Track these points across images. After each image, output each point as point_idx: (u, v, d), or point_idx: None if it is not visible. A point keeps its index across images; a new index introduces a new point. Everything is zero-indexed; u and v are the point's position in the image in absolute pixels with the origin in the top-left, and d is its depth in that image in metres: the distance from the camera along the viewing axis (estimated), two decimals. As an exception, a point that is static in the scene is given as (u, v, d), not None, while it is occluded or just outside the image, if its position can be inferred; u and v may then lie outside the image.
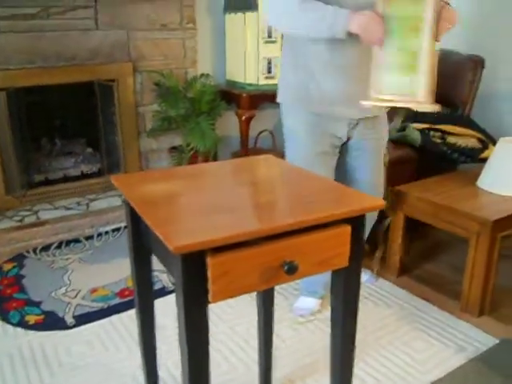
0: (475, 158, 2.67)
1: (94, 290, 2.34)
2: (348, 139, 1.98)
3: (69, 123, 3.51)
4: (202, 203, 1.04)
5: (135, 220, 1.18)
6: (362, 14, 1.56)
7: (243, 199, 1.10)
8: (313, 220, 0.96)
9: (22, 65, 2.91)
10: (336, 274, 1.10)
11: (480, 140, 2.73)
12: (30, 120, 3.27)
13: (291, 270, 0.94)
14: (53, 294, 2.31)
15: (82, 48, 3.05)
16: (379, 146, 2.05)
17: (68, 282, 2.41)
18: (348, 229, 1.02)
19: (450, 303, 2.19)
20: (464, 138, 2.70)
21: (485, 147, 2.70)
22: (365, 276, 2.39)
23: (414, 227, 2.44)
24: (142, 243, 1.22)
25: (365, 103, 1.58)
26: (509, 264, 2.47)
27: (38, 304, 2.23)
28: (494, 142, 2.65)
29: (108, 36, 3.13)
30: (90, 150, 3.50)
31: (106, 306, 2.21)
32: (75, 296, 2.29)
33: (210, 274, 0.88)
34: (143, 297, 1.34)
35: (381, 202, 1.04)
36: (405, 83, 1.46)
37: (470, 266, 2.08)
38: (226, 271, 0.89)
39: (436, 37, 1.48)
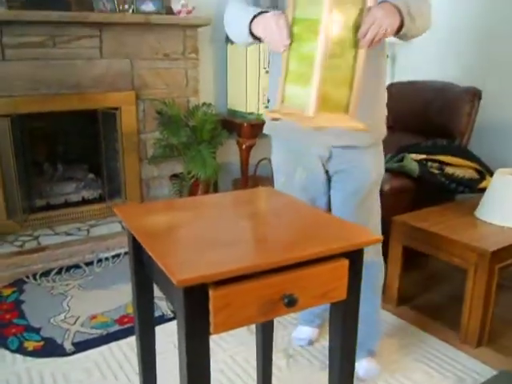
0: (473, 188, 2.70)
1: (93, 317, 2.34)
2: (327, 173, 1.78)
3: (71, 149, 3.56)
4: (203, 235, 1.07)
5: (137, 249, 1.20)
6: (267, 16, 1.37)
7: (244, 232, 1.12)
8: (311, 255, 0.98)
9: (25, 91, 2.97)
10: (334, 305, 1.12)
11: (477, 171, 2.77)
12: (33, 145, 3.33)
13: (291, 303, 0.96)
14: (52, 320, 2.31)
15: (85, 76, 3.12)
16: (362, 182, 1.72)
17: (67, 308, 2.41)
18: (346, 263, 1.04)
19: (450, 334, 2.19)
20: (462, 169, 2.74)
21: (482, 178, 2.74)
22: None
23: (412, 256, 2.45)
24: (144, 272, 1.24)
25: (267, 115, 1.53)
26: (507, 294, 2.48)
27: (37, 330, 2.23)
28: (492, 173, 2.69)
29: (112, 65, 3.19)
30: (91, 175, 3.54)
31: (105, 333, 2.21)
32: (74, 322, 2.29)
33: (211, 306, 0.90)
34: (144, 324, 1.35)
35: (378, 237, 1.06)
36: (300, 95, 1.29)
37: (469, 297, 2.09)
38: (227, 304, 0.91)
39: (368, 44, 1.28)
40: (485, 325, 2.10)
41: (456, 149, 2.84)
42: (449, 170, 2.71)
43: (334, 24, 1.22)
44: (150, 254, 0.95)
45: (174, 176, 3.46)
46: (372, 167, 1.73)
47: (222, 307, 0.91)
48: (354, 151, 1.68)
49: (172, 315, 2.34)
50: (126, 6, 3.18)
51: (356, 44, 1.28)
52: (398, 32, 1.41)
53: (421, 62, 3.54)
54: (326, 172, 1.77)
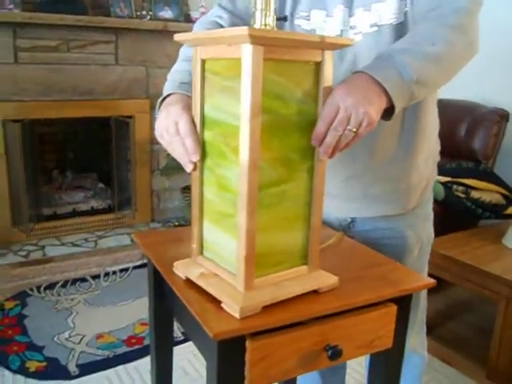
0: (499, 214, 2.59)
1: (99, 336, 2.23)
2: None
3: (81, 157, 3.46)
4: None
5: (158, 280, 1.09)
6: (169, 109, 0.87)
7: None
8: (360, 302, 0.87)
9: (37, 96, 2.88)
10: (376, 356, 1.01)
11: (504, 195, 2.66)
12: (43, 151, 3.23)
13: (335, 355, 0.85)
14: (56, 338, 2.20)
15: (99, 83, 3.03)
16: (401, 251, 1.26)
17: (72, 326, 2.30)
18: (394, 308, 0.93)
19: (475, 369, 2.07)
20: (488, 193, 2.62)
21: (509, 203, 2.62)
22: None
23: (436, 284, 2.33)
24: (164, 304, 1.12)
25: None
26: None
27: (40, 349, 2.12)
28: (519, 198, 2.58)
29: (127, 72, 3.11)
30: (101, 185, 3.44)
31: (111, 355, 2.09)
32: (79, 342, 2.18)
33: (248, 359, 0.79)
34: (161, 358, 1.24)
35: (432, 281, 0.95)
36: (225, 246, 0.83)
37: (499, 331, 1.97)
38: (265, 356, 0.80)
39: (328, 154, 0.81)
40: (515, 362, 1.98)
41: (482, 172, 2.73)
42: (474, 194, 2.59)
43: (266, 131, 0.74)
44: (182, 299, 0.83)
45: (186, 188, 3.35)
46: (412, 235, 1.27)
47: (259, 360, 0.80)
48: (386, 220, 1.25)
49: (182, 337, 2.22)
50: (144, 12, 3.10)
51: (311, 153, 0.82)
52: (389, 115, 0.88)
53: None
54: None
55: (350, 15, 1.08)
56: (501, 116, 2.77)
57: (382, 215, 1.23)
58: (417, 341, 1.42)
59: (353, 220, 1.26)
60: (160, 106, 0.94)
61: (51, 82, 2.89)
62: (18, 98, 2.82)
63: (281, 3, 1.11)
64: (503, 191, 2.66)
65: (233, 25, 1.12)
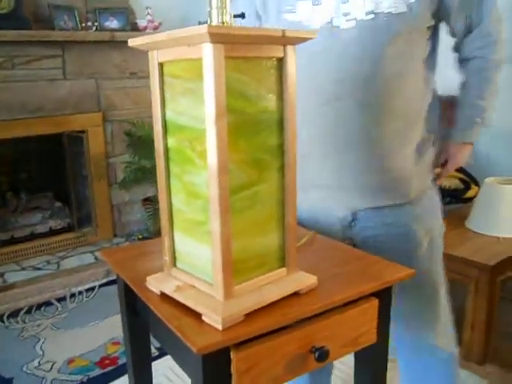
0: (459, 198, 2.64)
1: (71, 361, 2.14)
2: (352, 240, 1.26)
3: (35, 176, 3.34)
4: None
5: (130, 297, 1.04)
6: None
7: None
8: (341, 300, 0.85)
9: (-16, 117, 2.76)
10: (360, 353, 0.99)
11: (461, 180, 2.71)
12: (-7, 174, 3.10)
13: (322, 356, 0.83)
14: (25, 367, 2.10)
15: (49, 99, 2.93)
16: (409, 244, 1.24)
17: (41, 353, 2.20)
18: (376, 302, 0.92)
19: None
20: (446, 179, 2.67)
21: (467, 187, 2.68)
22: None
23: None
24: (139, 321, 1.08)
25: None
26: (509, 308, 2.41)
27: (8, 382, 2.01)
28: (476, 182, 2.64)
29: (76, 85, 3.02)
30: (58, 204, 3.32)
31: (85, 379, 2.01)
32: (50, 369, 2.09)
33: (234, 370, 0.76)
34: (139, 376, 1.19)
35: (411, 271, 0.94)
36: (198, 255, 0.81)
37: (471, 313, 1.99)
38: (251, 365, 0.77)
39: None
40: (489, 341, 2.01)
41: (439, 158, 2.78)
42: (434, 180, 2.64)
43: (233, 132, 0.72)
44: (160, 316, 0.79)
45: (147, 200, 3.28)
46: (420, 227, 1.24)
47: (245, 370, 0.77)
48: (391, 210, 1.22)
49: (157, 353, 2.16)
50: (90, 24, 3.02)
51: (280, 151, 0.79)
52: None
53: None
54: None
55: (343, 2, 1.07)
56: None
57: (383, 205, 1.21)
58: (444, 340, 1.34)
59: (354, 218, 1.23)
60: None
61: (-3, 101, 2.78)
62: (-37, 120, 2.69)
63: (265, 1, 1.13)
64: (460, 176, 2.71)
65: None
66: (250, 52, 0.72)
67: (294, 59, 0.76)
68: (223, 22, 0.73)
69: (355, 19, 1.06)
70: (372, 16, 1.05)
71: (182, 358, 0.84)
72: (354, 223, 1.23)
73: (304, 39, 0.76)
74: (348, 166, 1.17)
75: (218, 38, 0.66)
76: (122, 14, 3.14)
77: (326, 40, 1.07)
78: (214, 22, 0.73)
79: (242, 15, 0.88)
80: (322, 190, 1.21)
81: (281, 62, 0.76)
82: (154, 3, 3.24)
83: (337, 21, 1.08)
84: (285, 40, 0.74)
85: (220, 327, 0.73)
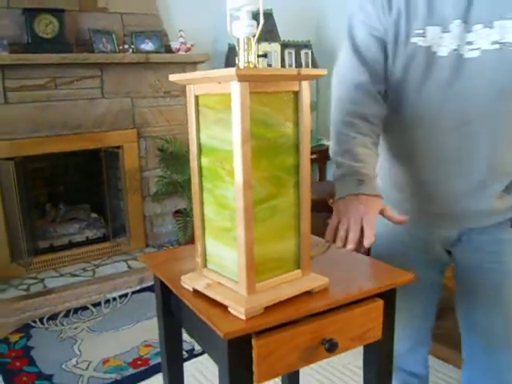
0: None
1: (106, 361, 2.30)
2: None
3: (73, 189, 3.55)
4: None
5: (166, 296, 1.19)
6: (348, 207, 1.08)
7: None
8: (348, 298, 0.98)
9: (28, 134, 2.98)
10: (368, 348, 1.11)
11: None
12: (35, 186, 3.32)
13: (332, 348, 0.96)
14: (64, 365, 2.27)
15: (87, 116, 3.14)
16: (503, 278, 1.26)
17: (79, 353, 2.37)
18: (381, 303, 1.04)
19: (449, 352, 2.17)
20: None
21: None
22: None
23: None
24: (173, 318, 1.22)
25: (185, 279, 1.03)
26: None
27: (49, 377, 2.18)
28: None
29: (113, 104, 3.22)
30: (94, 215, 3.53)
31: (119, 378, 2.17)
32: (87, 367, 2.25)
33: (255, 356, 0.89)
34: (172, 373, 1.33)
35: (412, 276, 1.06)
36: (226, 257, 0.95)
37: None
38: (270, 352, 0.90)
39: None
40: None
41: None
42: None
43: (256, 154, 0.86)
44: (192, 308, 0.94)
45: (178, 212, 3.45)
46: None
47: (265, 356, 0.90)
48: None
49: (186, 355, 2.30)
50: (126, 46, 3.22)
51: (295, 170, 0.94)
52: None
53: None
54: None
55: (468, 31, 1.08)
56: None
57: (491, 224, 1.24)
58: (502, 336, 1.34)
59: (459, 238, 1.29)
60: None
61: (41, 118, 2.99)
62: (9, 136, 2.91)
63: (396, 25, 1.14)
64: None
65: (372, 79, 1.18)
66: (271, 87, 0.86)
67: (307, 92, 0.90)
68: (248, 62, 0.88)
69: (479, 49, 1.08)
70: (497, 46, 1.07)
71: (211, 344, 0.98)
72: (456, 243, 1.31)
73: (316, 76, 0.90)
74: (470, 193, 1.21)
75: (244, 77, 0.81)
76: (156, 36, 3.34)
77: (453, 69, 1.10)
78: (241, 62, 0.88)
79: (265, 55, 1.02)
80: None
81: (297, 95, 0.90)
82: (187, 26, 3.44)
83: (462, 49, 1.10)
84: (300, 77, 0.88)
85: (243, 317, 0.87)
